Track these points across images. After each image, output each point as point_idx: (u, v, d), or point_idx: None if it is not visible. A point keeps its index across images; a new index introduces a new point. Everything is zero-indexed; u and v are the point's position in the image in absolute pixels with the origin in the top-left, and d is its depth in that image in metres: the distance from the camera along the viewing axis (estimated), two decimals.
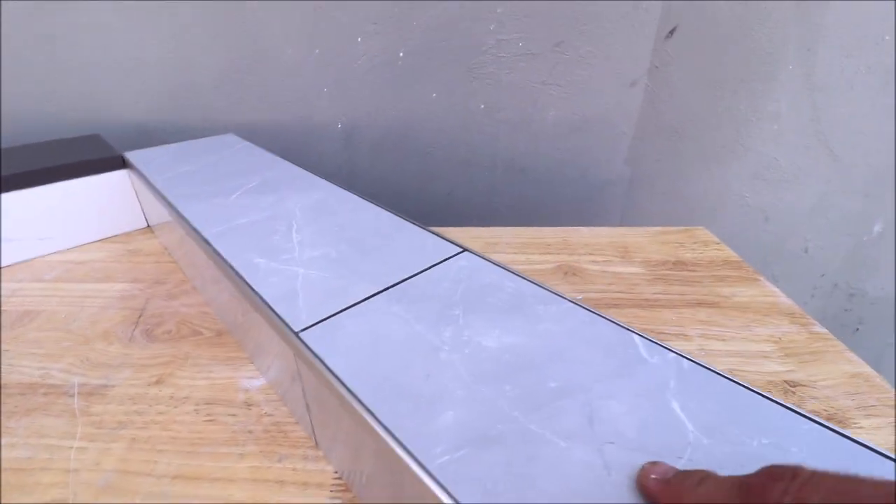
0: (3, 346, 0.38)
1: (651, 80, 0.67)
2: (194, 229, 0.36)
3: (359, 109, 0.68)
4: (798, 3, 0.62)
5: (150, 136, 0.68)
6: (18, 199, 0.48)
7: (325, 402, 0.25)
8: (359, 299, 0.28)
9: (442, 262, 0.32)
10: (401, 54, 0.65)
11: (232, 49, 0.64)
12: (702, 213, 0.78)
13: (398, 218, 0.38)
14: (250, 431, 0.30)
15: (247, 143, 0.58)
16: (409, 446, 0.18)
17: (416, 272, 0.30)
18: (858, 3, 0.62)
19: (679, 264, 0.51)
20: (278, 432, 0.30)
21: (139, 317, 0.41)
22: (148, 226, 0.57)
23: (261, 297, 0.28)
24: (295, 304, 0.27)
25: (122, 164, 0.54)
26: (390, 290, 0.28)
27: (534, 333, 0.25)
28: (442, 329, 0.25)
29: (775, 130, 0.72)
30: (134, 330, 0.40)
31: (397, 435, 0.19)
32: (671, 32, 0.65)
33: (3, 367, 0.36)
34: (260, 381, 0.34)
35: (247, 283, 0.29)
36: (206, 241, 0.34)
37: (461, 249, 0.33)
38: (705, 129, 0.71)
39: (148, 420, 0.31)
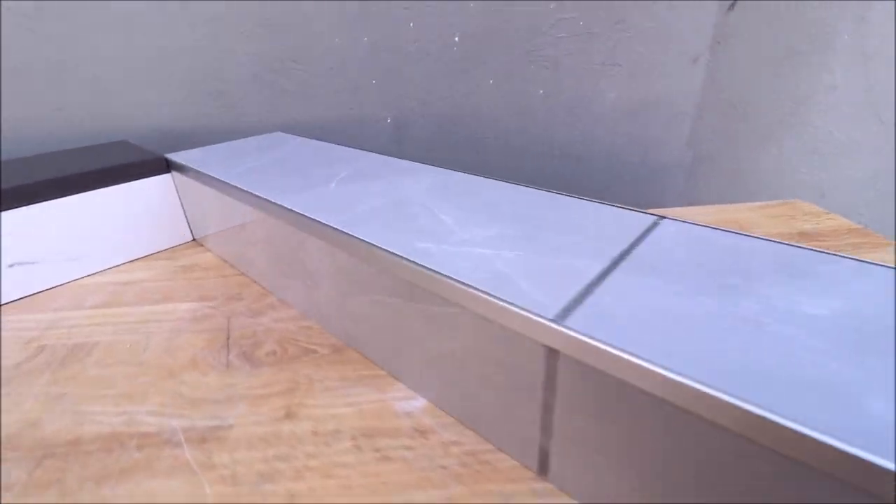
0: (59, 389, 0.29)
1: (712, 55, 0.64)
2: (311, 219, 0.29)
3: (410, 100, 0.62)
4: None
5: (176, 142, 0.60)
6: (43, 213, 0.39)
7: (606, 405, 0.18)
8: (593, 276, 0.21)
9: (648, 230, 0.26)
10: (456, 38, 0.60)
11: (272, 41, 0.57)
12: (759, 192, 0.75)
13: (542, 191, 0.32)
14: (444, 467, 0.23)
15: (305, 139, 0.51)
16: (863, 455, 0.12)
17: (628, 244, 0.24)
18: None
19: (804, 235, 0.46)
20: (480, 464, 0.23)
21: (227, 339, 0.33)
22: (194, 239, 0.49)
23: (465, 285, 0.21)
24: (518, 289, 0.20)
25: (165, 167, 0.46)
26: (620, 264, 0.22)
27: (853, 295, 0.19)
28: (738, 300, 0.19)
29: (831, 103, 0.70)
30: (228, 354, 0.32)
31: (833, 436, 0.13)
32: (733, 4, 0.62)
33: (68, 414, 0.27)
34: (419, 401, 0.27)
35: (433, 271, 0.22)
36: (339, 231, 0.27)
37: (658, 216, 0.27)
38: (764, 105, 0.69)
39: (299, 466, 0.23)
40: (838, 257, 0.22)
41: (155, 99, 0.58)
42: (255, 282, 0.40)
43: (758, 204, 0.54)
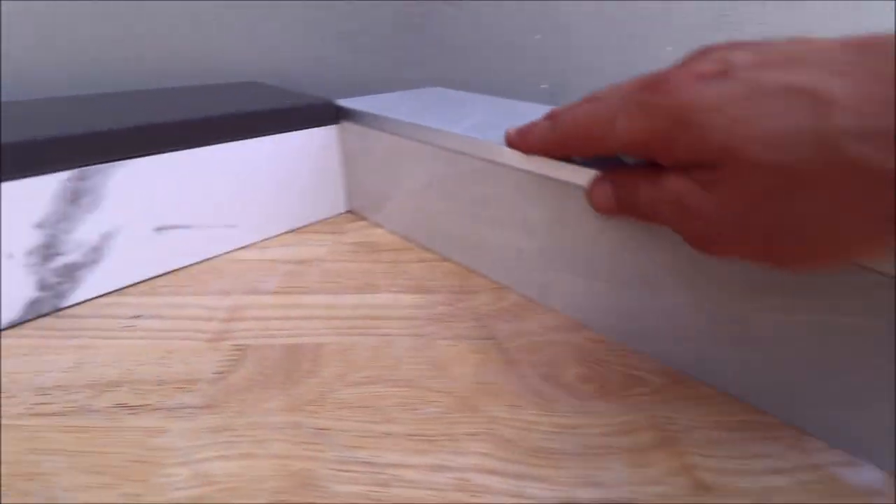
0: (313, 420, 0.20)
1: None
2: None
3: (575, 64, 0.53)
4: None
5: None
6: (194, 162, 0.29)
7: None
8: None
9: None
10: None
11: None
12: None
13: None
14: None
15: (490, 97, 0.41)
16: None
17: None
18: None
19: None
20: None
21: (502, 351, 0.24)
22: (348, 210, 0.39)
23: None
24: None
25: (335, 116, 0.36)
26: None
27: None
28: None
29: None
30: (526, 377, 0.23)
31: None
32: None
33: (351, 466, 0.18)
34: (872, 471, 0.19)
35: None
36: None
37: None
38: None
39: None
40: None
41: (270, 36, 0.47)
42: (471, 271, 0.31)
43: None
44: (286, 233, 0.36)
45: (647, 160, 0.18)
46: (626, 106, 0.17)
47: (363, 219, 0.38)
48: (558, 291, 0.27)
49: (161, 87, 0.40)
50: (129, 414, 0.20)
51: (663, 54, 0.53)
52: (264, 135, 0.32)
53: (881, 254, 0.15)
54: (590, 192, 0.22)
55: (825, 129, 0.13)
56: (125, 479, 0.18)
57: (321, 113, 0.35)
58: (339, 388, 0.22)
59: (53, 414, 0.21)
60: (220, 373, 0.22)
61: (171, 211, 0.29)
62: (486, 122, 0.31)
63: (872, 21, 0.53)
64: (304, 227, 0.37)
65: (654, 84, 0.17)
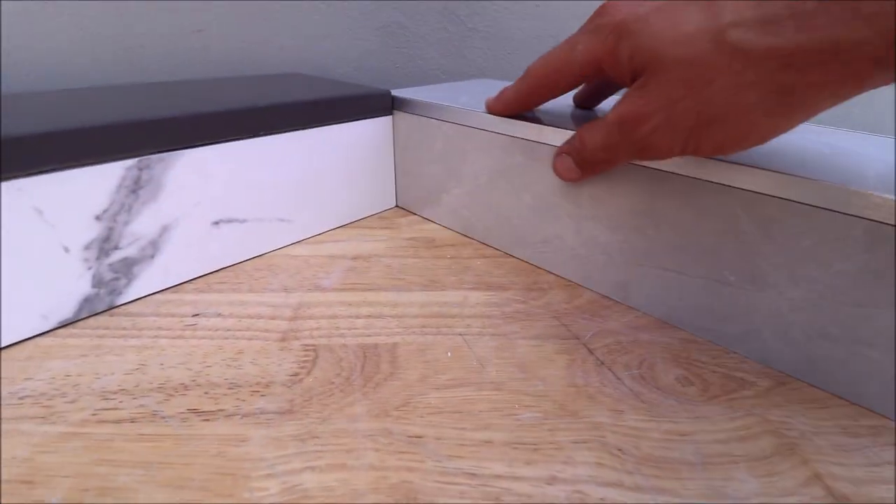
0: (401, 426, 0.18)
1: None
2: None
3: None
4: None
5: None
6: (248, 152, 0.28)
7: None
8: None
9: None
10: None
11: None
12: None
13: None
14: None
15: None
16: None
17: None
18: None
19: None
20: None
21: (588, 351, 0.23)
22: (397, 205, 0.38)
23: None
24: None
25: (389, 107, 0.34)
26: None
27: None
28: None
29: None
30: (619, 378, 0.21)
31: None
32: None
33: (451, 477, 0.17)
34: None
35: None
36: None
37: None
38: None
39: None
40: None
41: (310, 28, 0.46)
42: (536, 267, 0.30)
43: None
44: (336, 228, 0.34)
45: (603, 79, 0.24)
46: (581, 35, 0.21)
47: (413, 214, 0.37)
48: (642, 289, 0.25)
49: (204, 78, 0.39)
50: (204, 420, 0.19)
51: None
52: (322, 125, 0.31)
53: (786, 128, 0.18)
54: (554, 168, 0.25)
55: (716, 25, 0.17)
56: (210, 494, 0.16)
57: (377, 103, 0.33)
58: (424, 391, 0.20)
59: (121, 421, 0.19)
60: (294, 375, 0.21)
61: (227, 203, 0.28)
62: (554, 110, 0.29)
63: None
64: (354, 222, 0.35)
65: (600, 11, 0.21)
